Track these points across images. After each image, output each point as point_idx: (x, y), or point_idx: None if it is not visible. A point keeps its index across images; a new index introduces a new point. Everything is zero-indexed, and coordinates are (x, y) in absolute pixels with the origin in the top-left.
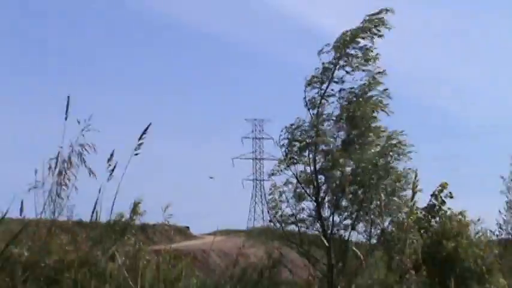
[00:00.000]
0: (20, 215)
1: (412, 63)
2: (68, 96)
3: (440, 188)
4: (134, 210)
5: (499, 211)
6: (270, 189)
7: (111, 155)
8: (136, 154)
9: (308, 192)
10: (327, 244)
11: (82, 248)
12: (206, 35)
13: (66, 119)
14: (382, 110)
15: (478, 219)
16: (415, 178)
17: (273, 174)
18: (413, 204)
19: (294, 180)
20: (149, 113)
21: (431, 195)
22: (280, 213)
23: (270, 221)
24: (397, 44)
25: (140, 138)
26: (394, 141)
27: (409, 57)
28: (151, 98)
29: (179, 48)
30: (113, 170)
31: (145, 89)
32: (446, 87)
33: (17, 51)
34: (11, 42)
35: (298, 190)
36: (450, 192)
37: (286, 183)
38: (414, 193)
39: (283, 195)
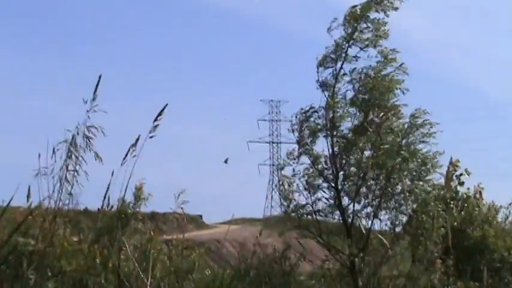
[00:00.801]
0: (27, 202)
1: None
2: (100, 75)
3: (452, 168)
4: (137, 194)
5: None
6: (280, 180)
7: (137, 140)
8: (151, 137)
9: (326, 179)
10: (364, 231)
11: (87, 239)
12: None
13: (94, 99)
14: (399, 89)
15: (511, 203)
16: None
17: (282, 168)
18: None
19: (303, 167)
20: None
21: (446, 176)
22: (294, 203)
23: (285, 212)
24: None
25: (156, 120)
26: (419, 121)
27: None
28: (166, 77)
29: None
30: (126, 155)
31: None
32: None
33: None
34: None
35: (311, 179)
36: (466, 169)
37: (294, 174)
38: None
39: (294, 184)
